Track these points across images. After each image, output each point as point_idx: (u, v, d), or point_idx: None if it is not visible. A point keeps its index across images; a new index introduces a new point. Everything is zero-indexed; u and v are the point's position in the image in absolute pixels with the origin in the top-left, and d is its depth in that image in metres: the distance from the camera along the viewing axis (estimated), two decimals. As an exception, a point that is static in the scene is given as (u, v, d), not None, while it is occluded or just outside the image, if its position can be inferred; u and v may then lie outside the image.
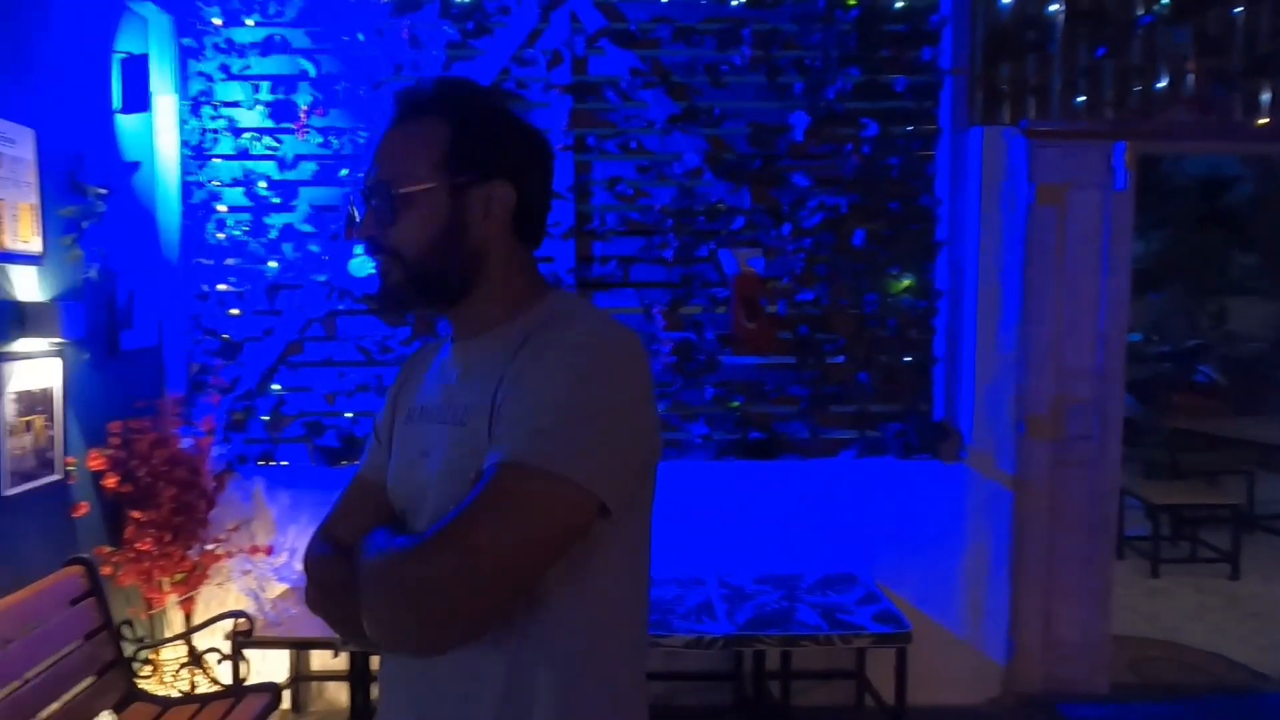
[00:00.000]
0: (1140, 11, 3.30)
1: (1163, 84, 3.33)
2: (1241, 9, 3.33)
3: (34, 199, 2.43)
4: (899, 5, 3.29)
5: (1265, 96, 3.34)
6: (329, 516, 1.10)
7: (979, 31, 3.26)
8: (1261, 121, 3.34)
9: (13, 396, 2.31)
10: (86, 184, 2.70)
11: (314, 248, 3.25)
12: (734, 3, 3.26)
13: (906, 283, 3.35)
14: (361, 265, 3.17)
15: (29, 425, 2.38)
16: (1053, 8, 3.28)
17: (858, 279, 3.33)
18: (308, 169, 3.26)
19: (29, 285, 2.43)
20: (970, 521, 3.31)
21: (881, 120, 3.28)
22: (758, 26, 3.25)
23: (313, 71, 3.24)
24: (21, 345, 2.37)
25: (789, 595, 3.01)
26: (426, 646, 0.91)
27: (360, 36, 3.22)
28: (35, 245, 2.44)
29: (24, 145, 2.39)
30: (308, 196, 3.27)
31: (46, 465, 2.47)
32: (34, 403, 2.41)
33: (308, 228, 3.26)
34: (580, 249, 3.30)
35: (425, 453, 1.02)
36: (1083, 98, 3.33)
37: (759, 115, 3.30)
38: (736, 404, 3.34)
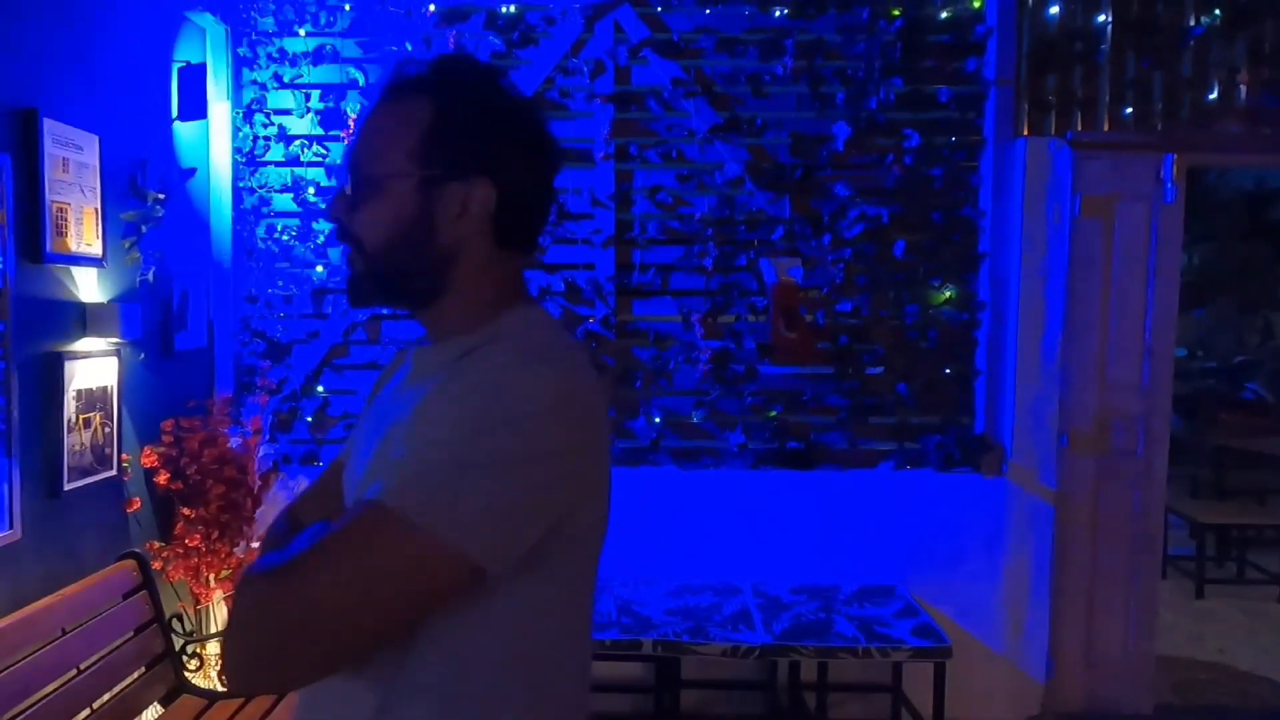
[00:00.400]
0: (1191, 22, 3.25)
1: (1213, 95, 3.28)
2: (1297, 19, 3.27)
3: (97, 203, 2.51)
4: (944, 16, 3.28)
5: (1320, 108, 3.27)
6: (298, 495, 1.07)
7: (1025, 42, 3.24)
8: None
9: (73, 394, 2.39)
10: (146, 189, 2.78)
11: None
12: (777, 13, 3.27)
13: (948, 294, 3.33)
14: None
15: (88, 422, 2.46)
16: (1101, 18, 3.25)
17: (898, 290, 3.31)
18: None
19: (90, 287, 2.51)
20: (1011, 536, 3.27)
21: (924, 131, 3.26)
22: (800, 37, 3.26)
23: (362, 81, 3.31)
24: (83, 345, 2.45)
25: (826, 606, 2.99)
26: (245, 684, 0.85)
27: (409, 46, 3.28)
28: (97, 248, 2.52)
29: (89, 151, 2.47)
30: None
31: (104, 461, 2.54)
32: (93, 400, 2.48)
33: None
34: (620, 257, 3.33)
35: (357, 455, 0.97)
36: (1130, 109, 3.29)
37: (800, 125, 3.30)
38: (774, 413, 3.34)
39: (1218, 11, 3.26)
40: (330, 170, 3.32)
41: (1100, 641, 3.33)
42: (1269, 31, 3.26)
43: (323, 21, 3.29)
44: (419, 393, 0.88)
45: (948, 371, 3.34)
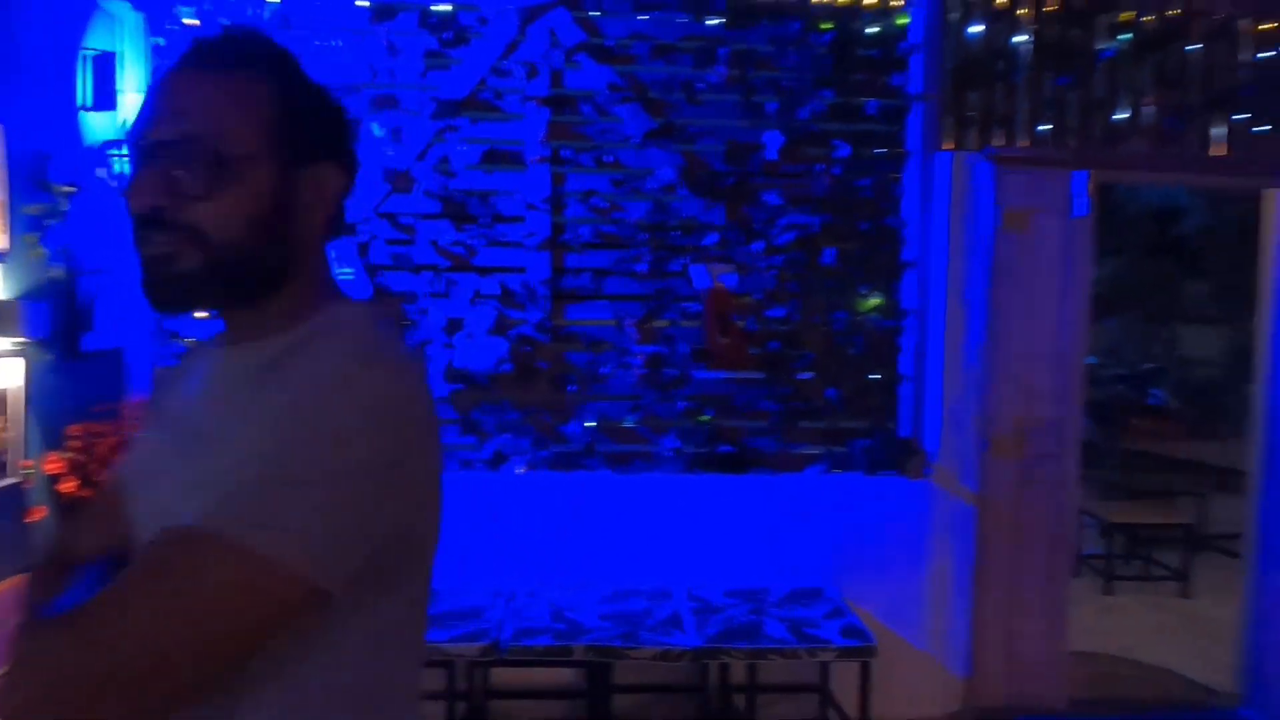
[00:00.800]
0: (1102, 45, 3.41)
1: (1123, 115, 3.45)
2: (1199, 46, 3.46)
3: (2, 196, 2.37)
4: (871, 31, 3.37)
5: (1219, 131, 3.47)
6: (64, 526, 0.98)
7: (947, 59, 3.35)
8: (1216, 153, 3.47)
9: (-30, 397, 2.25)
10: (53, 182, 2.65)
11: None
12: (711, 22, 3.31)
13: (875, 301, 3.41)
14: (335, 271, 3.16)
15: (-14, 427, 2.32)
16: (1019, 38, 3.39)
17: (828, 297, 3.38)
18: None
19: (-9, 283, 2.37)
20: (935, 537, 3.37)
21: (853, 142, 3.34)
22: (734, 46, 3.30)
23: (288, 76, 3.21)
24: (-18, 345, 2.31)
25: (757, 609, 3.03)
26: None
27: (338, 42, 3.21)
28: (1, 242, 2.38)
29: (-10, 141, 2.34)
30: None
31: (2, 469, 2.40)
32: (-7, 404, 2.34)
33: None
34: (554, 260, 3.31)
35: (148, 474, 0.86)
36: (1047, 126, 3.43)
37: (734, 133, 3.34)
38: (708, 418, 3.36)
39: (1128, 36, 3.43)
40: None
41: (1019, 638, 3.44)
42: (1173, 57, 3.45)
43: (248, 13, 3.19)
44: (229, 401, 0.81)
45: (875, 377, 3.42)
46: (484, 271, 3.28)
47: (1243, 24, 3.48)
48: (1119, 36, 3.42)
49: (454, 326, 3.27)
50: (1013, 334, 3.36)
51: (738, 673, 3.21)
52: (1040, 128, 3.42)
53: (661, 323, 3.36)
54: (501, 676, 3.16)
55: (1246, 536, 3.58)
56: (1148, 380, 7.56)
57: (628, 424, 3.34)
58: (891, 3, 3.37)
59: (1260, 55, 3.50)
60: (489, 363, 3.29)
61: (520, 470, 3.29)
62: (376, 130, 3.20)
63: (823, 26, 3.32)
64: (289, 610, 0.71)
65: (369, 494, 0.74)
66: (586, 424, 3.32)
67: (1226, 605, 3.74)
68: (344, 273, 3.21)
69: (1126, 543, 5.26)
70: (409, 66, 3.22)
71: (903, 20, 3.37)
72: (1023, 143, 3.38)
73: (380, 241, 3.24)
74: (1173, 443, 6.14)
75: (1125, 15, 3.42)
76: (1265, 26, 3.49)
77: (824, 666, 3.17)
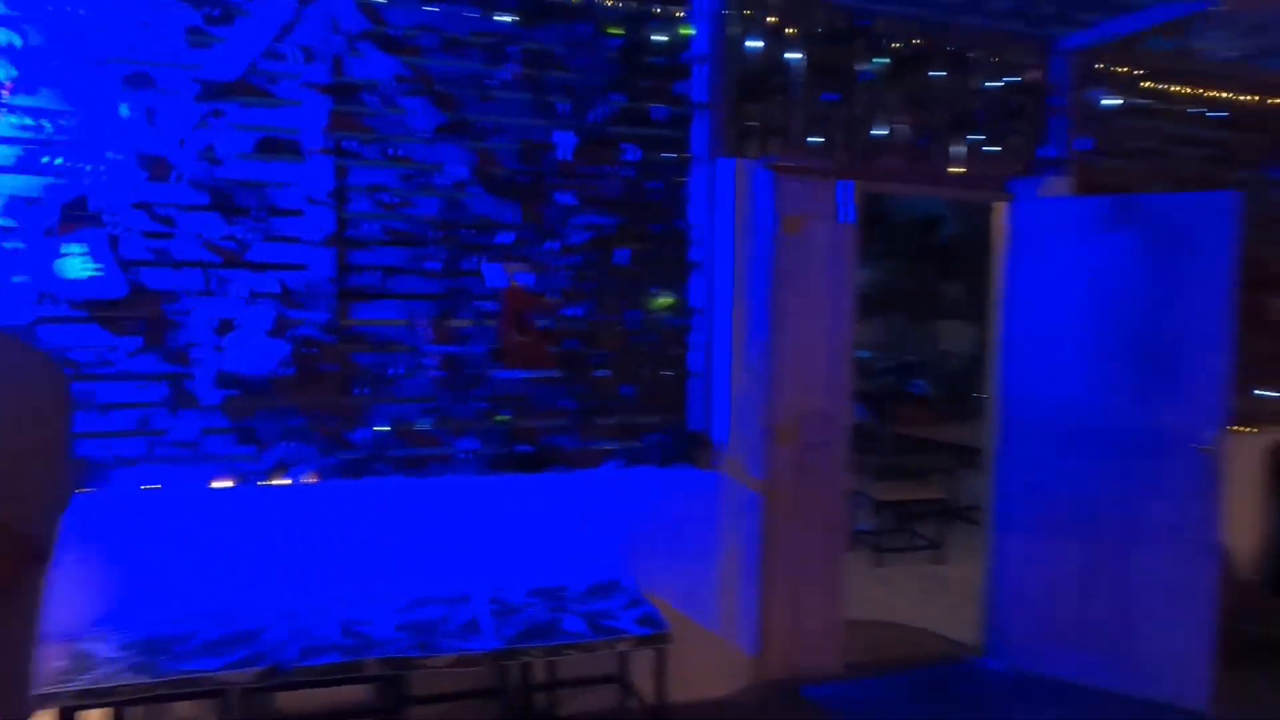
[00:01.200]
0: (862, 67, 3.75)
1: (882, 132, 3.81)
2: (942, 73, 3.89)
3: None
4: (659, 39, 3.49)
5: (958, 149, 3.93)
6: None
7: (728, 71, 3.53)
8: (956, 169, 3.92)
9: None
10: None
11: (15, 245, 2.83)
12: (502, 19, 3.28)
13: (666, 301, 3.54)
14: (73, 265, 2.81)
15: None
16: (792, 56, 3.64)
17: (622, 296, 3.46)
18: (7, 154, 2.83)
19: None
20: (725, 524, 3.55)
21: (644, 146, 3.45)
22: (526, 45, 3.30)
23: (19, 43, 2.82)
24: None
25: (557, 606, 3.04)
26: None
27: (81, 11, 2.85)
28: None
29: None
30: (6, 186, 2.84)
31: None
32: None
33: (7, 221, 2.83)
34: (339, 258, 3.14)
35: None
36: (819, 139, 3.72)
37: (526, 132, 3.34)
38: (505, 418, 3.34)
39: (884, 60, 3.79)
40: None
41: (802, 614, 3.71)
42: (920, 82, 3.86)
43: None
44: None
45: (667, 373, 3.55)
46: (259, 268, 3.06)
47: (974, 56, 3.95)
48: (875, 60, 3.78)
49: (226, 327, 3.02)
50: (790, 331, 3.61)
51: (539, 671, 3.22)
52: (812, 140, 3.71)
53: (457, 322, 3.29)
54: (288, 701, 2.96)
55: (985, 506, 4.08)
56: (911, 371, 8.40)
57: (421, 427, 3.25)
58: (676, 13, 3.51)
59: (989, 84, 3.99)
60: (268, 365, 3.07)
61: (305, 479, 3.10)
62: (124, 110, 2.88)
63: (612, 31, 3.40)
64: (15, 566, 0.85)
65: (65, 467, 0.90)
66: (376, 428, 3.19)
67: (973, 568, 4.24)
68: (94, 268, 2.87)
69: (894, 518, 5.82)
70: (167, 43, 2.93)
71: (687, 31, 3.51)
72: (797, 153, 3.64)
73: (135, 234, 2.92)
74: (931, 426, 6.86)
75: (879, 40, 3.77)
76: (994, 60, 3.99)
77: (623, 656, 3.24)
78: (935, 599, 4.75)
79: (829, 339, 3.70)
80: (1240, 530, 4.33)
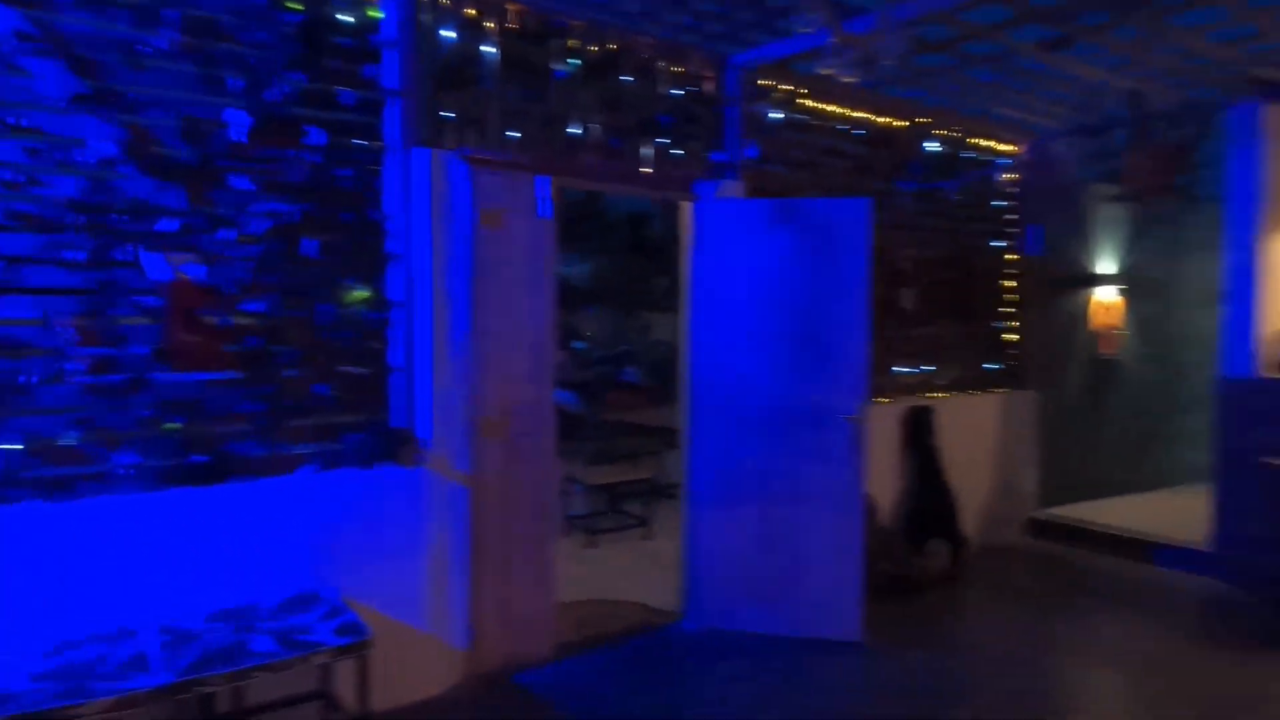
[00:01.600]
0: (556, 66, 3.86)
1: (576, 130, 3.95)
2: (632, 79, 4.13)
3: None
4: (344, 18, 3.32)
5: (647, 150, 4.19)
6: None
7: (422, 59, 3.46)
8: (645, 170, 4.19)
9: None
10: None
11: None
12: (155, -21, 2.93)
13: (361, 294, 3.39)
14: None
15: None
16: (488, 49, 3.65)
17: (312, 290, 3.26)
18: None
19: None
20: (433, 521, 3.49)
21: (332, 130, 3.26)
22: (187, 10, 2.97)
23: None
24: None
25: (244, 627, 2.80)
26: None
27: None
28: None
29: None
30: None
31: None
32: None
33: None
34: (-57, 245, 2.62)
35: None
36: (517, 133, 3.77)
37: (192, 108, 3.01)
38: (175, 425, 2.99)
39: (577, 61, 3.93)
40: None
41: (513, 602, 3.76)
42: (611, 84, 4.06)
43: None
44: None
45: (365, 370, 3.41)
46: None
47: (660, 64, 4.24)
48: (569, 60, 3.91)
49: None
50: (493, 324, 3.63)
51: (225, 700, 2.94)
52: (510, 134, 3.75)
53: (110, 320, 2.89)
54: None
55: (681, 483, 4.42)
56: (623, 360, 8.85)
57: (67, 441, 2.81)
58: (363, -6, 3.36)
59: (673, 91, 4.31)
60: None
61: (-97, 514, 2.55)
62: None
63: (290, 5, 3.17)
64: None
65: None
66: (4, 446, 2.70)
67: (675, 542, 4.57)
68: None
69: (606, 500, 6.10)
70: None
71: (375, 13, 3.38)
72: (495, 147, 3.67)
73: None
74: (641, 411, 7.29)
75: (573, 42, 3.91)
76: (676, 69, 4.31)
77: (325, 670, 3.07)
78: (643, 573, 5.06)
79: (532, 331, 3.77)
80: (884, 486, 5.13)
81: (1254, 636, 4.24)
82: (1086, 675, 3.87)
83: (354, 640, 2.75)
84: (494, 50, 3.67)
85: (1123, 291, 6.54)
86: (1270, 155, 5.05)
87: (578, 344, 8.97)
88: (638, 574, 5.08)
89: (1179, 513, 5.78)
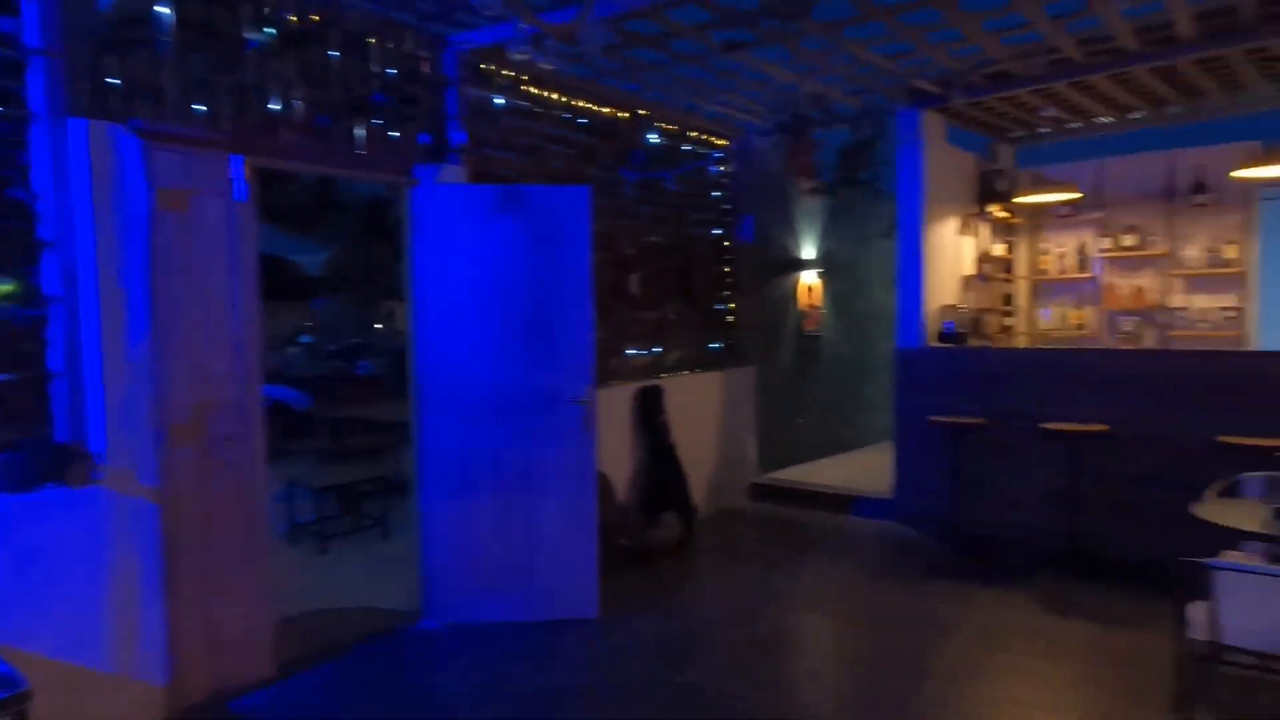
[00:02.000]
0: (250, 35, 3.52)
1: (276, 106, 3.63)
2: (338, 54, 3.87)
3: None
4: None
5: (361, 131, 3.97)
6: None
7: (77, 14, 2.99)
8: (360, 150, 3.96)
9: None
10: None
11: None
12: None
13: (6, 288, 2.88)
14: None
15: None
16: (161, 10, 3.24)
17: (-67, 283, 2.71)
18: None
19: None
20: (114, 545, 3.07)
21: (-50, 93, 2.73)
22: None
23: None
24: None
25: None
26: None
27: None
28: None
29: None
30: None
31: None
32: None
33: None
34: None
35: None
36: (203, 107, 3.39)
37: None
38: None
39: (273, 30, 3.61)
40: None
41: (221, 624, 3.42)
42: (316, 59, 3.78)
43: None
44: None
45: (15, 377, 2.91)
46: None
47: (372, 40, 4.02)
48: (265, 29, 3.58)
49: None
50: (181, 318, 3.26)
51: None
52: (197, 108, 3.36)
53: None
54: None
55: (414, 479, 4.28)
56: (357, 353, 8.39)
57: None
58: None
59: (389, 70, 4.11)
60: None
61: None
62: None
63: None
64: None
65: None
66: None
67: (411, 540, 4.41)
68: None
69: (340, 502, 5.75)
70: None
71: (4, -44, 2.87)
72: (175, 120, 3.27)
73: None
74: (377, 405, 6.96)
75: (266, 8, 3.59)
76: (390, 47, 4.11)
77: (-28, 735, 2.59)
78: (380, 576, 4.84)
79: (231, 324, 3.43)
80: (618, 464, 5.32)
81: (925, 569, 4.96)
82: (796, 618, 4.30)
83: (6, 695, 2.35)
84: (169, 10, 3.26)
85: (821, 274, 7.31)
86: (929, 155, 5.88)
87: (306, 338, 8.38)
88: (374, 577, 4.85)
89: (870, 469, 6.61)
